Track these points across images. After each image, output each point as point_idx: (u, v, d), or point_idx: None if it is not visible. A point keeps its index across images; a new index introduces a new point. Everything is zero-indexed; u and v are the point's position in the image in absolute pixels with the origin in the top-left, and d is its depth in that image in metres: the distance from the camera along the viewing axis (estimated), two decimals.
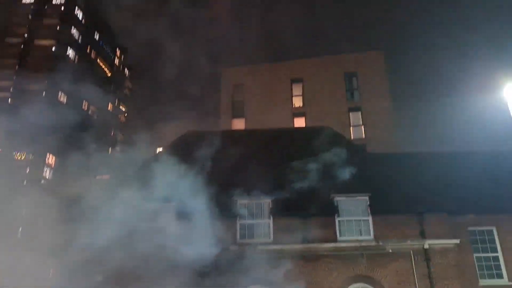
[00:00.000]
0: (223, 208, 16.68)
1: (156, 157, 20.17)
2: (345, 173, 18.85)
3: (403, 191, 18.67)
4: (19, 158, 50.75)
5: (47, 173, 57.79)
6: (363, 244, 17.60)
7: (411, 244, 17.47)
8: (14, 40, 72.13)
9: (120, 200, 15.15)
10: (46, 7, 75.90)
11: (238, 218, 18.36)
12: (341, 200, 18.65)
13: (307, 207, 18.13)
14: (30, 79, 60.25)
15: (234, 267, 17.45)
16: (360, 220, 18.40)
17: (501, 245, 18.27)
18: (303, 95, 38.81)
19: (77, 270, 16.39)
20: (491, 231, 18.56)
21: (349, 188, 18.66)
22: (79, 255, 16.31)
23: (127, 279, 15.44)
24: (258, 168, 18.86)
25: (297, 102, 38.81)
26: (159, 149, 22.52)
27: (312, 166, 19.30)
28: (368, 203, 18.43)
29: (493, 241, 18.45)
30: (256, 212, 18.66)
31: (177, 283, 15.63)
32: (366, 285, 17.25)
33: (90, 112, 68.87)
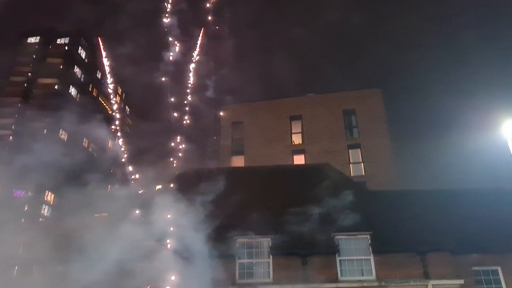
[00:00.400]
0: (222, 247, 16.43)
1: (155, 194, 20.06)
2: (346, 211, 18.68)
3: (404, 229, 18.43)
4: (18, 195, 50.49)
5: (45, 211, 57.42)
6: (365, 284, 17.24)
7: (414, 284, 17.11)
8: (18, 78, 73.27)
9: (117, 237, 14.96)
10: (50, 46, 77.48)
11: (237, 258, 18.07)
12: (341, 238, 18.41)
13: (307, 246, 17.88)
14: (32, 117, 60.77)
15: None
16: (362, 259, 18.10)
17: (506, 285, 17.85)
18: (302, 132, 38.96)
19: None
20: (496, 271, 18.17)
21: (350, 227, 18.45)
22: None
23: None
24: (258, 206, 18.73)
25: (296, 139, 38.93)
26: (158, 187, 22.41)
27: (312, 204, 19.17)
28: (369, 241, 18.17)
29: (498, 281, 18.04)
30: (256, 251, 18.39)
31: None
32: None
33: (90, 149, 69.08)
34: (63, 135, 64.27)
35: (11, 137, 62.20)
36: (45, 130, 61.71)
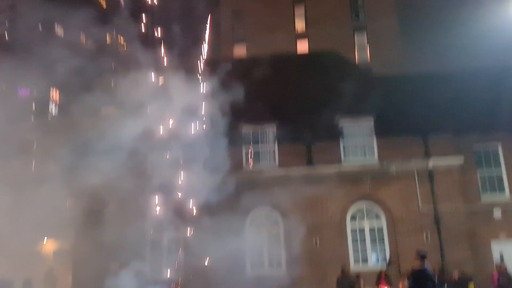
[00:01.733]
0: (229, 136, 16.79)
1: (160, 87, 20.01)
2: (350, 97, 18.72)
3: (408, 112, 18.57)
4: (23, 95, 50.68)
5: (53, 109, 57.98)
6: (367, 165, 17.88)
7: (415, 164, 17.71)
8: None
9: (127, 130, 15.23)
10: None
11: (243, 145, 18.59)
12: (345, 123, 18.71)
13: (312, 132, 18.24)
14: (26, 12, 58.56)
15: (241, 192, 17.97)
16: (365, 142, 18.56)
17: (505, 160, 18.44)
18: (305, 17, 37.52)
19: (90, 201, 16.96)
20: (496, 147, 18.63)
21: (354, 111, 18.65)
22: (90, 185, 16.81)
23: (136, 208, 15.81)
24: (262, 94, 18.78)
25: (300, 24, 37.62)
26: (161, 78, 22.26)
27: (316, 90, 19.19)
28: (373, 125, 18.48)
29: (497, 157, 18.60)
30: (261, 138, 18.85)
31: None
32: (369, 204, 17.74)
33: (88, 44, 67.68)
34: (59, 31, 62.55)
35: (6, 34, 60.68)
36: (40, 25, 59.91)
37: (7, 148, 17.48)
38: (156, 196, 15.22)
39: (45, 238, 26.44)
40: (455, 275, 15.43)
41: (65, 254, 21.26)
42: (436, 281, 15.15)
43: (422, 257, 9.84)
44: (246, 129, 18.66)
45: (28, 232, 22.64)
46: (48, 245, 26.52)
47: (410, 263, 16.30)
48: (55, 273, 19.60)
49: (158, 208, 15.42)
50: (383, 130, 18.30)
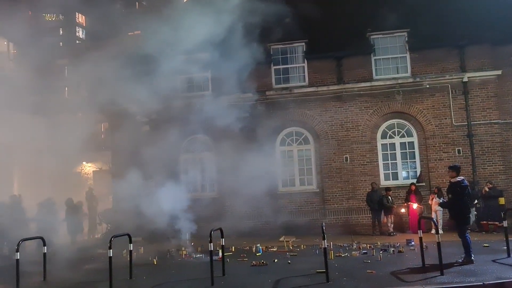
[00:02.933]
0: (257, 55, 16.55)
1: (184, 6, 19.57)
2: (382, 10, 17.92)
3: (443, 24, 17.75)
4: (50, 19, 50.59)
5: (80, 33, 57.94)
6: (400, 81, 17.50)
7: (450, 78, 17.22)
8: None
9: (155, 53, 15.19)
10: None
11: (272, 64, 18.38)
12: (377, 37, 18.11)
13: (342, 48, 17.79)
14: None
15: (271, 112, 18.07)
16: (398, 57, 18.04)
17: None
18: None
19: (124, 123, 17.40)
20: None
21: (386, 25, 17.94)
22: (123, 109, 17.18)
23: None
24: (290, 11, 18.13)
25: None
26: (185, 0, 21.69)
27: (347, 4, 18.41)
28: (406, 39, 17.83)
29: None
30: (290, 56, 18.53)
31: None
32: (401, 120, 17.60)
33: None
34: None
35: None
36: None
37: (40, 75, 17.81)
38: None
39: (84, 161, 27.69)
40: (486, 188, 15.53)
41: (104, 174, 22.29)
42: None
43: (457, 169, 10.04)
44: (275, 48, 18.29)
45: (67, 155, 23.69)
46: (87, 167, 27.81)
47: (440, 179, 16.62)
48: (95, 193, 20.68)
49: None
50: (416, 44, 17.65)
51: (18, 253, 9.67)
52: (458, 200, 9.84)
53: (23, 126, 19.02)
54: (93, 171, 27.38)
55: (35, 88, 17.86)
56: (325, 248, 8.64)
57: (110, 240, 9.17)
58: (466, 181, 10.17)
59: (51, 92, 19.68)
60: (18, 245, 9.76)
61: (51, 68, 20.96)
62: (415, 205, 15.47)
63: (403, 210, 16.10)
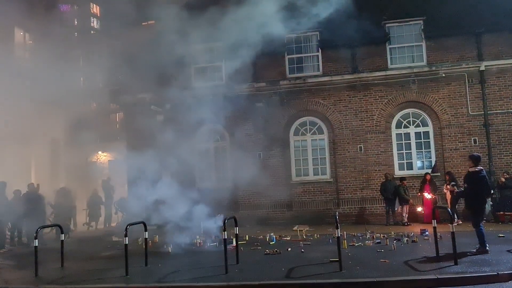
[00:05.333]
0: (271, 44, 16.48)
1: None
2: None
3: (460, 11, 17.46)
4: (64, 10, 50.84)
5: (94, 23, 58.19)
6: (415, 70, 17.29)
7: (466, 66, 16.96)
8: None
9: (170, 43, 15.22)
10: None
11: (286, 53, 18.29)
12: (393, 26, 17.90)
13: (356, 37, 17.59)
14: None
15: (285, 102, 18.02)
16: (413, 46, 17.82)
17: None
18: None
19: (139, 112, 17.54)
20: None
21: (402, 13, 17.72)
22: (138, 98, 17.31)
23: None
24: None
25: None
26: None
27: None
28: (422, 27, 17.58)
29: None
30: (304, 45, 18.42)
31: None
32: (416, 110, 17.42)
33: None
34: None
35: None
36: None
37: (56, 65, 18.01)
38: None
39: (99, 151, 28.02)
40: (502, 179, 15.34)
41: (119, 164, 22.53)
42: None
43: (476, 159, 9.96)
44: (289, 37, 18.18)
45: (83, 145, 23.99)
46: (103, 157, 28.13)
47: (456, 169, 16.46)
48: (111, 182, 20.93)
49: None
50: (433, 32, 17.39)
51: (37, 240, 9.90)
52: (473, 190, 9.76)
53: (39, 116, 19.30)
54: (108, 160, 27.70)
55: (50, 78, 18.06)
56: (338, 237, 8.68)
57: (126, 228, 9.33)
58: (484, 171, 10.06)
59: (66, 82, 19.87)
60: (36, 232, 9.99)
61: (67, 58, 21.12)
62: (428, 195, 15.38)
63: (428, 196, 15.59)
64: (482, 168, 10.09)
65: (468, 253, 9.46)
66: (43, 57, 17.91)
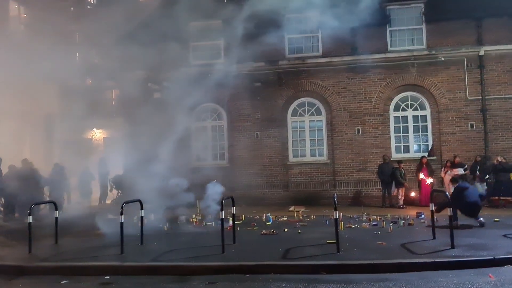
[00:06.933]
0: (271, 24, 16.22)
1: None
2: None
3: None
4: None
5: None
6: (415, 53, 17.17)
7: (466, 51, 16.86)
8: None
9: (169, 20, 14.95)
10: None
11: (286, 33, 18.04)
12: (393, 8, 17.69)
13: (357, 18, 17.36)
14: None
15: (283, 82, 17.88)
16: (413, 29, 17.65)
17: None
18: None
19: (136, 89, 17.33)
20: None
21: None
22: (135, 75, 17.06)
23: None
24: None
25: None
26: None
27: None
28: (423, 10, 17.39)
29: None
30: (305, 25, 18.18)
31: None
32: (414, 93, 17.35)
33: None
34: None
35: None
36: None
37: (51, 40, 17.67)
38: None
39: (94, 128, 27.74)
40: (498, 158, 15.28)
41: (115, 141, 22.32)
42: (478, 170, 15.40)
43: (455, 180, 11.49)
44: (289, 16, 17.91)
45: (78, 121, 23.68)
46: (98, 134, 27.88)
47: (452, 152, 16.47)
48: (106, 160, 20.74)
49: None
50: (433, 16, 17.23)
51: (31, 216, 9.82)
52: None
53: (34, 92, 19.02)
54: (103, 137, 27.48)
55: (45, 53, 17.74)
56: (336, 219, 8.67)
57: (122, 206, 9.26)
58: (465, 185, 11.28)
59: (62, 58, 19.54)
60: (30, 209, 9.91)
61: (62, 34, 20.74)
62: (429, 180, 15.41)
63: (430, 180, 15.67)
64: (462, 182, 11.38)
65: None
66: (38, 31, 17.57)
